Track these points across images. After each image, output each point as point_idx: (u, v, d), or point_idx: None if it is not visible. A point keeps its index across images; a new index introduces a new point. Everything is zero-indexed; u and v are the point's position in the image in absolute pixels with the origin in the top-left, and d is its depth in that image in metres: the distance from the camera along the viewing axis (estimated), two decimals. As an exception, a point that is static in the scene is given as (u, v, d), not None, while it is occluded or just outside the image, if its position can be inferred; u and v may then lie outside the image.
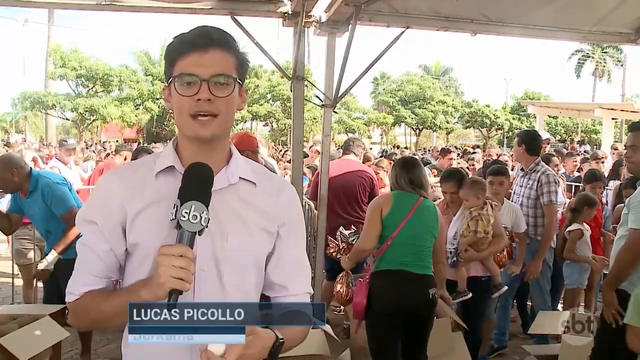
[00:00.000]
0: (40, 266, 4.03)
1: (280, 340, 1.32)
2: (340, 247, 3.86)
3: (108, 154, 11.12)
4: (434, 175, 7.22)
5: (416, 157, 11.73)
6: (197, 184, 1.29)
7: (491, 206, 3.94)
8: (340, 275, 3.76)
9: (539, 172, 4.58)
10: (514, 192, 4.82)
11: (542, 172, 4.58)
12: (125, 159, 6.83)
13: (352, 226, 4.35)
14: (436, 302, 3.39)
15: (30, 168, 4.20)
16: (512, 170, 8.22)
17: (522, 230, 4.40)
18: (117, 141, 30.39)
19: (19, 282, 5.51)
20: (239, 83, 1.38)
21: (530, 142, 4.72)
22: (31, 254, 5.27)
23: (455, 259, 3.95)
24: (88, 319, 1.43)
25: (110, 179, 1.45)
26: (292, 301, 1.50)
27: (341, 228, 4.21)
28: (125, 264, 1.44)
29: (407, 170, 3.48)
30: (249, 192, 1.45)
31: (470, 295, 3.90)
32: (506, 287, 4.18)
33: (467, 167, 9.78)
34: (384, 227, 3.36)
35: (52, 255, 4.00)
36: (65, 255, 3.99)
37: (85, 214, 1.43)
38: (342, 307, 5.61)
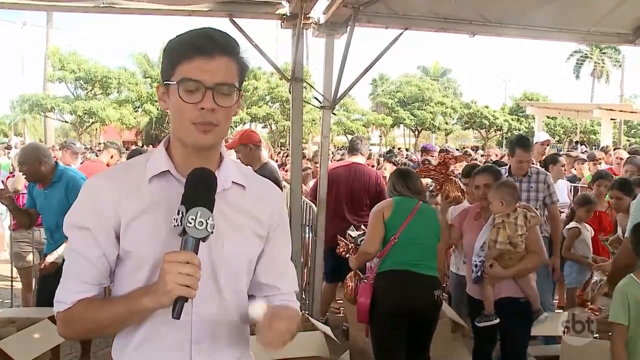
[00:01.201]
0: (50, 258, 4.02)
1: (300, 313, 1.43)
2: (349, 248, 3.87)
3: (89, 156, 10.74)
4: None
5: (414, 157, 11.69)
6: (201, 190, 1.27)
7: (525, 216, 3.38)
8: (350, 274, 3.77)
9: (540, 174, 4.60)
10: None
11: (545, 174, 4.63)
12: (112, 157, 6.66)
13: (363, 227, 4.36)
14: (441, 303, 3.40)
15: (56, 160, 4.24)
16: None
17: None
18: (115, 143, 30.32)
19: (17, 285, 5.50)
20: (239, 89, 1.37)
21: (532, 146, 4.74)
22: (30, 257, 5.26)
23: (479, 274, 3.43)
24: (82, 328, 1.38)
25: (100, 183, 1.38)
26: (282, 299, 1.53)
27: (350, 229, 4.23)
28: (116, 270, 1.40)
29: (405, 179, 3.58)
30: (240, 196, 1.44)
31: (497, 320, 3.36)
32: (546, 315, 3.50)
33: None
34: (387, 229, 3.41)
35: (62, 249, 3.98)
36: None
37: (75, 219, 1.36)
38: (341, 309, 5.61)
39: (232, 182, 1.43)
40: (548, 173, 4.73)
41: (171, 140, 1.42)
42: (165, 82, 1.35)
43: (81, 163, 7.03)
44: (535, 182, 4.57)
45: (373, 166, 6.21)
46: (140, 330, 1.35)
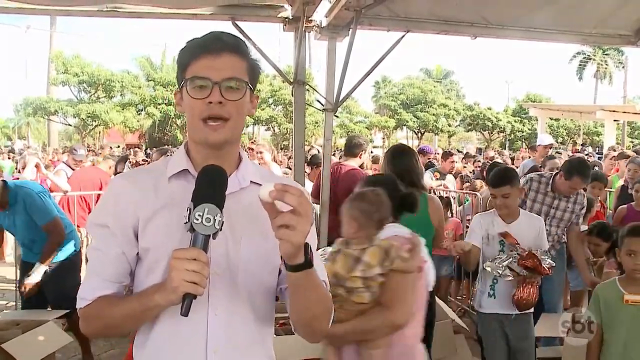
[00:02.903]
0: (29, 281, 4.00)
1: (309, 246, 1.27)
2: None
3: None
4: (436, 179, 7.22)
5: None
6: (210, 186, 1.27)
7: (386, 253, 2.16)
8: None
9: (579, 194, 4.44)
10: (552, 216, 4.44)
11: (583, 195, 4.49)
12: (110, 167, 6.92)
13: None
14: (429, 304, 3.24)
15: (4, 180, 4.13)
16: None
17: (545, 249, 3.54)
18: (118, 146, 30.43)
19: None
20: (250, 88, 1.39)
21: None
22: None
23: None
24: (100, 324, 1.40)
25: (121, 183, 1.44)
26: None
27: None
28: (135, 269, 1.42)
29: (394, 164, 3.32)
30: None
31: None
32: None
33: (473, 171, 9.78)
34: None
35: (39, 269, 4.01)
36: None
37: (96, 218, 1.42)
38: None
39: (251, 181, 1.43)
40: (585, 193, 4.58)
41: (189, 143, 1.45)
42: (180, 86, 1.40)
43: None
44: (573, 203, 4.39)
45: (376, 169, 6.04)
46: (158, 327, 1.37)
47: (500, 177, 3.59)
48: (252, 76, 1.40)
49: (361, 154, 5.32)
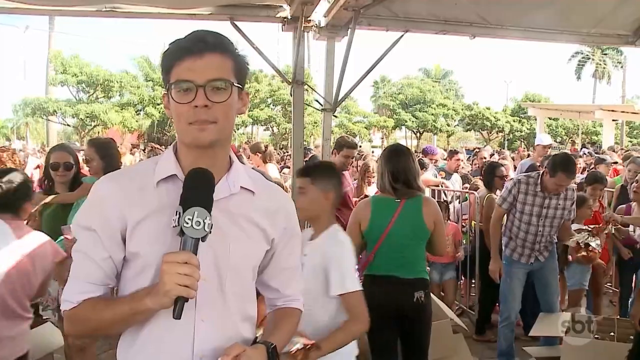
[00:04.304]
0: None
1: (272, 346, 1.40)
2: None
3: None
4: (442, 177, 7.21)
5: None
6: (199, 190, 1.28)
7: None
8: None
9: (569, 190, 4.38)
10: (544, 216, 4.37)
11: (573, 190, 4.44)
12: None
13: None
14: (423, 304, 3.20)
15: None
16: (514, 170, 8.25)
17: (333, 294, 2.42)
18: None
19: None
20: (238, 87, 1.36)
21: None
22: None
23: None
24: (87, 326, 1.39)
25: (109, 186, 1.40)
26: (286, 303, 1.60)
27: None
28: (122, 271, 1.41)
29: (391, 164, 3.24)
30: (249, 201, 1.44)
31: None
32: None
33: (469, 171, 9.76)
34: (367, 240, 3.24)
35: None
36: None
37: (83, 221, 1.39)
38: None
39: (241, 187, 1.43)
40: (575, 189, 4.54)
41: (178, 146, 1.43)
42: (166, 89, 1.37)
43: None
44: (564, 200, 4.33)
45: (369, 177, 5.58)
46: (144, 331, 1.37)
47: (306, 166, 2.91)
48: (239, 74, 1.37)
49: (335, 152, 5.27)
